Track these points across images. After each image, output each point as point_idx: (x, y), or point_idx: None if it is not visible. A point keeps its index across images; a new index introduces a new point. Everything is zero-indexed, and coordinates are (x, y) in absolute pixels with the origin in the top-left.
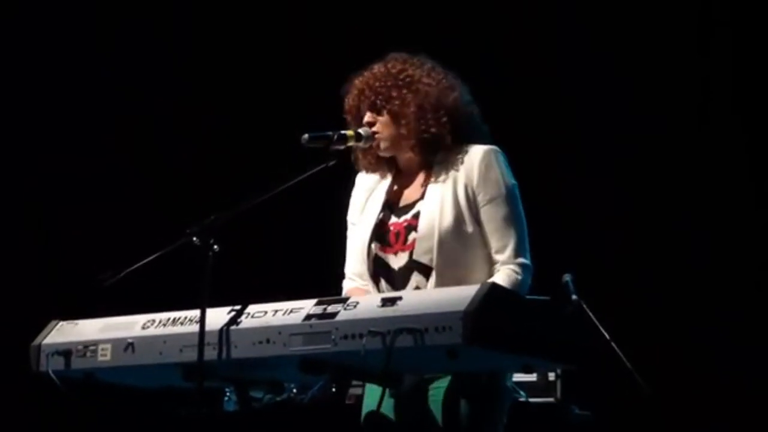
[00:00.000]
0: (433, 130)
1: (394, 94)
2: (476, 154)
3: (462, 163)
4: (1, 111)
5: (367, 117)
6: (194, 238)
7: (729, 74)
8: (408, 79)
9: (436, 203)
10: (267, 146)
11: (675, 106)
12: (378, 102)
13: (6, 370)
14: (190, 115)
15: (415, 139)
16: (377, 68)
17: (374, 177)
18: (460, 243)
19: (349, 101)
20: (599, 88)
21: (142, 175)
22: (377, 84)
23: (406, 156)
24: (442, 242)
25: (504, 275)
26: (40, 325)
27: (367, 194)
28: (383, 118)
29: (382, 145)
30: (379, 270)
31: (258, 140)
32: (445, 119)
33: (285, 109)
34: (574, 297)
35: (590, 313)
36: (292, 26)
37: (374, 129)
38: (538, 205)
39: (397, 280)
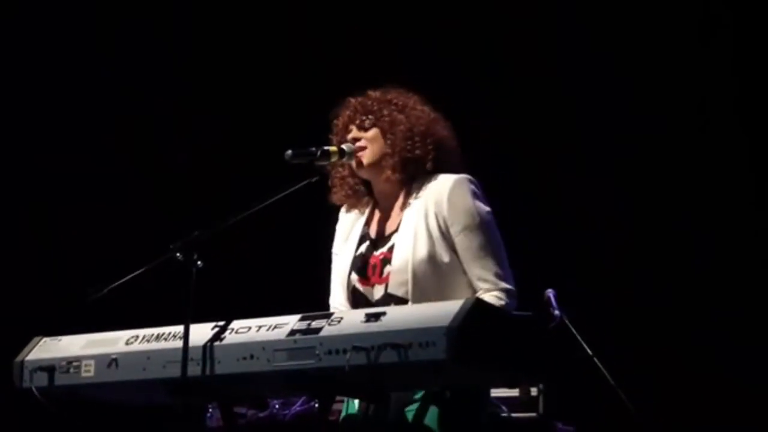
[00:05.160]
0: (417, 152)
1: (386, 112)
2: (445, 184)
3: (431, 193)
4: (1, 111)
5: (353, 133)
6: (178, 254)
7: (729, 74)
8: (401, 104)
9: (409, 236)
10: (266, 147)
11: (675, 106)
12: (368, 120)
13: None
14: (190, 115)
15: (398, 157)
16: (372, 92)
17: (355, 211)
18: (436, 274)
19: (340, 121)
20: (599, 88)
21: (142, 175)
22: (370, 103)
23: (383, 177)
24: (416, 274)
25: (489, 301)
26: (24, 341)
27: (349, 228)
28: (370, 134)
29: (365, 161)
30: (358, 302)
31: (258, 140)
32: (431, 147)
33: (285, 109)
34: (556, 312)
35: (573, 329)
36: (292, 26)
37: (359, 144)
38: (537, 205)
39: None
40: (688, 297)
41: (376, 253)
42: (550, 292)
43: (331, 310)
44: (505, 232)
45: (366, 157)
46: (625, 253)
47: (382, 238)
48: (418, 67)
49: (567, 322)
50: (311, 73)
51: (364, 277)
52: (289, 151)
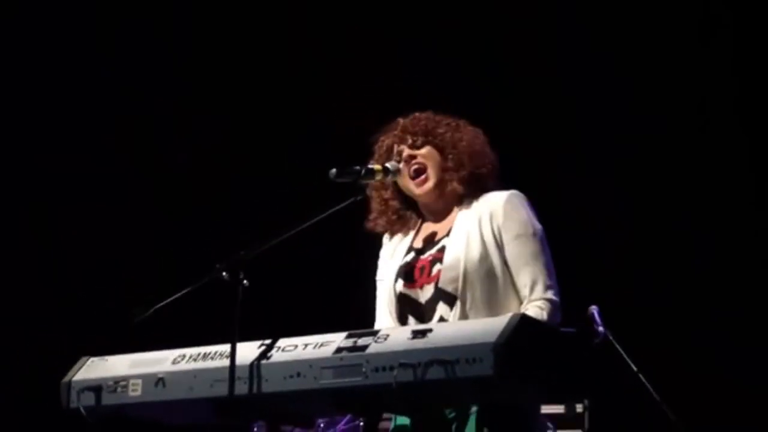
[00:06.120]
0: (483, 170)
1: (441, 130)
2: (501, 196)
3: (485, 204)
4: (1, 111)
5: (407, 152)
6: (223, 273)
7: (729, 74)
8: (454, 124)
9: (462, 237)
10: (266, 147)
11: (675, 106)
12: (420, 138)
13: (36, 407)
14: (190, 115)
15: (465, 172)
16: (420, 114)
17: (398, 236)
18: (486, 275)
19: (386, 141)
20: (599, 88)
21: (142, 175)
22: (423, 123)
23: (447, 191)
24: (467, 271)
25: (532, 312)
26: (71, 361)
27: (393, 251)
28: (424, 151)
29: (430, 183)
30: (405, 307)
31: (258, 140)
32: (491, 166)
33: (285, 109)
34: (600, 329)
35: (618, 345)
36: (292, 26)
37: (416, 161)
38: (537, 205)
39: (425, 313)
40: (688, 297)
41: (424, 257)
42: (594, 309)
43: None
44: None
45: (431, 178)
46: (625, 253)
47: (429, 243)
48: (418, 67)
49: (612, 338)
50: (311, 73)
51: (410, 281)
52: (333, 170)
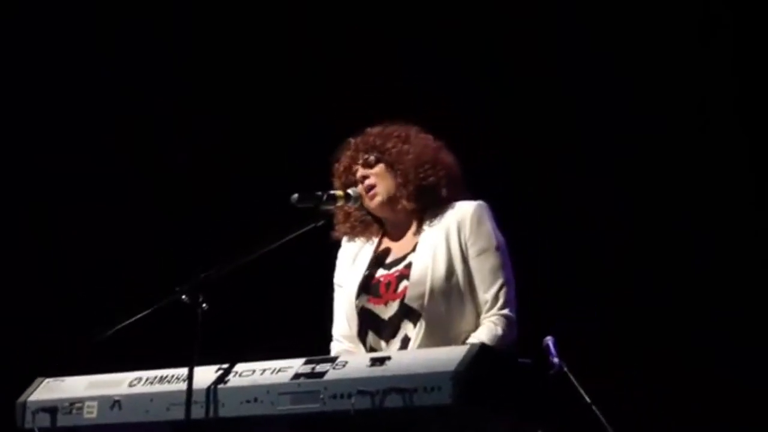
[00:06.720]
0: (431, 179)
1: (390, 145)
2: (467, 207)
3: (452, 216)
4: (1, 111)
5: (361, 171)
6: (183, 296)
7: (729, 74)
8: (404, 135)
9: (428, 253)
10: (266, 147)
11: (675, 106)
12: (372, 157)
13: None
14: (190, 115)
15: (412, 186)
16: (371, 129)
17: (359, 240)
18: (450, 292)
19: (340, 165)
20: (599, 88)
21: (142, 175)
22: (372, 139)
23: (400, 207)
24: (433, 288)
25: (486, 328)
26: (26, 381)
27: (354, 255)
28: (377, 170)
29: (379, 197)
30: (366, 322)
31: (258, 140)
32: (442, 173)
33: (285, 109)
34: (555, 360)
35: (572, 376)
36: (292, 26)
37: (368, 182)
38: (538, 205)
39: (386, 330)
40: (688, 297)
41: (390, 272)
42: (549, 340)
43: (334, 341)
44: (506, 232)
45: (379, 194)
46: (625, 253)
47: (396, 260)
48: (418, 67)
49: (566, 370)
50: (311, 73)
51: (376, 296)
52: (295, 195)
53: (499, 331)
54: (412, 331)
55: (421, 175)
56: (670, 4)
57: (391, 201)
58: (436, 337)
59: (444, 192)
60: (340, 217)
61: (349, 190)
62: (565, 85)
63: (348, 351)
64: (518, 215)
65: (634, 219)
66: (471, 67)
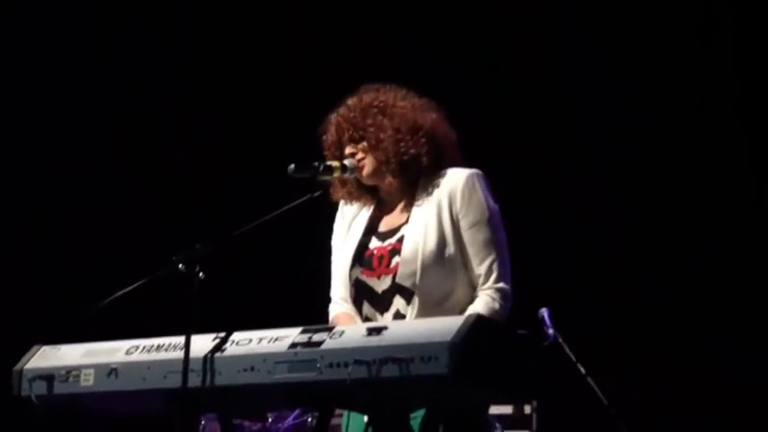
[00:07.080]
0: (412, 151)
1: (369, 122)
2: (459, 177)
3: (444, 186)
4: (1, 111)
5: (348, 149)
6: (180, 266)
7: (729, 74)
8: (382, 105)
9: (420, 227)
10: (266, 147)
11: (675, 106)
12: (356, 133)
13: None
14: (190, 115)
15: (394, 163)
16: (350, 101)
17: (357, 204)
18: (443, 267)
19: (328, 138)
20: (599, 88)
21: (142, 175)
22: (352, 115)
23: (388, 181)
24: (425, 266)
25: (483, 301)
26: (23, 349)
27: (350, 220)
28: (362, 145)
29: (365, 173)
30: (361, 294)
31: (258, 140)
32: (423, 140)
33: (285, 109)
34: (550, 331)
35: (567, 348)
36: (292, 26)
37: (357, 158)
38: (538, 205)
39: (380, 303)
40: (688, 297)
41: (384, 244)
42: (544, 311)
43: (333, 303)
44: (506, 232)
45: (366, 169)
46: (625, 253)
47: (389, 231)
48: (418, 67)
49: (561, 341)
50: (311, 73)
51: (369, 268)
52: (292, 166)
53: (496, 305)
54: (406, 307)
55: (402, 150)
56: (670, 4)
57: (379, 175)
58: (430, 313)
59: (425, 161)
60: (337, 185)
61: (345, 161)
62: (565, 85)
63: (346, 314)
64: (518, 215)
65: (634, 219)
66: (471, 67)
